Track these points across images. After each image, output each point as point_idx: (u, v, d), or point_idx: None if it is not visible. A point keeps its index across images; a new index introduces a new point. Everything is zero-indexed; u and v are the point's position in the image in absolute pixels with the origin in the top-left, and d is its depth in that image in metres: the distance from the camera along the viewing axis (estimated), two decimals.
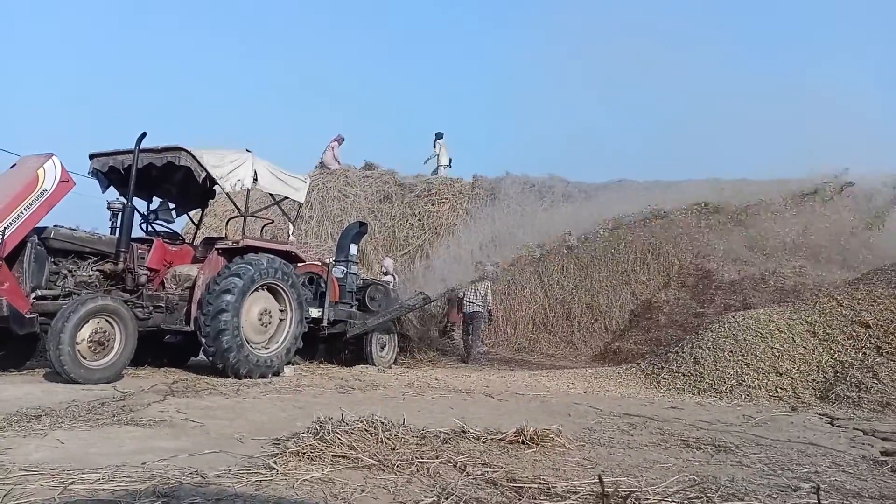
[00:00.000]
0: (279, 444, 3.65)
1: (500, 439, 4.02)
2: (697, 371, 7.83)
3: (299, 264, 8.69)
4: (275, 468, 3.11)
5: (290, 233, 9.30)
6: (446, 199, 16.51)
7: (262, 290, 7.73)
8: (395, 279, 11.92)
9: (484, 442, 3.97)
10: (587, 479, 3.29)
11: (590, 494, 2.91)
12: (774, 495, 3.18)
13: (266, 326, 7.74)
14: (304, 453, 3.36)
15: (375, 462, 3.25)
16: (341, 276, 9.59)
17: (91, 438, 3.79)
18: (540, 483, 3.09)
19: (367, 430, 3.60)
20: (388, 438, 3.58)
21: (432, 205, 16.35)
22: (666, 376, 8.03)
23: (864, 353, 7.39)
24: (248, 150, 8.10)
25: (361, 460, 3.26)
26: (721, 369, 7.68)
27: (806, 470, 3.86)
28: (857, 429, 5.53)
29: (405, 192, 16.78)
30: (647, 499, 2.90)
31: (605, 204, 14.99)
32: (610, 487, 3.07)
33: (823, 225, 15.14)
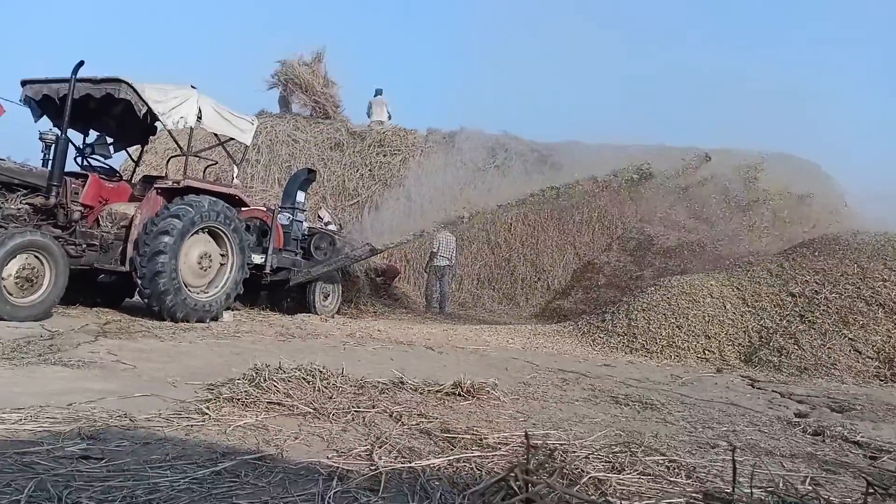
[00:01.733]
0: (213, 389, 3.60)
1: (437, 391, 4.08)
2: (631, 331, 8.11)
3: (243, 209, 8.47)
4: (207, 413, 3.07)
5: (235, 176, 9.01)
6: (399, 150, 16.34)
7: (203, 233, 7.52)
8: (340, 228, 11.83)
9: (421, 393, 4.02)
10: (519, 431, 3.39)
11: (520, 446, 2.99)
12: (693, 452, 3.34)
13: (205, 271, 7.57)
14: (238, 399, 3.33)
15: (311, 410, 3.25)
16: (286, 223, 9.42)
17: (14, 377, 3.66)
18: (473, 434, 3.15)
19: (304, 379, 3.59)
20: (325, 387, 3.59)
21: (384, 156, 16.16)
22: (601, 335, 8.30)
23: (788, 321, 7.79)
24: (193, 87, 7.75)
25: (297, 408, 3.26)
26: (654, 331, 7.98)
27: (725, 429, 4.07)
28: (776, 391, 5.86)
29: (357, 141, 16.50)
30: (575, 452, 3.00)
31: (558, 164, 15.11)
32: (539, 440, 3.17)
33: (761, 198, 15.71)
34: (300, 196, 9.78)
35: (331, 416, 3.20)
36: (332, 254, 9.99)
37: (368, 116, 17.48)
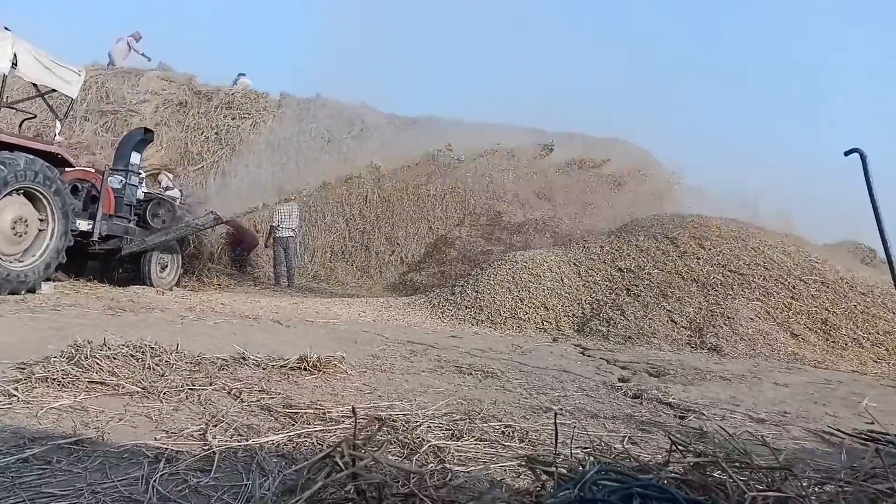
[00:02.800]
0: (25, 368, 3.25)
1: (281, 366, 3.98)
2: (478, 304, 8.44)
3: (67, 169, 7.66)
4: (15, 395, 2.76)
5: (58, 132, 8.07)
6: (249, 114, 15.53)
7: (18, 194, 6.71)
8: (181, 194, 11.07)
9: (264, 368, 3.90)
10: (364, 403, 3.40)
11: (363, 418, 3.01)
12: (528, 417, 3.55)
13: (21, 237, 6.77)
14: (54, 379, 3.03)
15: (139, 389, 3.03)
16: (119, 186, 8.64)
17: None
18: (316, 408, 3.12)
19: (132, 356, 3.34)
20: (156, 364, 3.36)
21: (232, 119, 15.29)
22: (450, 308, 8.54)
23: (617, 294, 8.49)
24: (6, 28, 6.80)
25: (123, 387, 3.02)
26: (498, 303, 8.36)
27: (557, 394, 4.37)
28: (603, 358, 6.38)
29: (202, 101, 15.45)
30: (417, 422, 3.07)
31: (413, 138, 15.21)
32: (383, 412, 3.21)
33: (595, 179, 16.93)
34: (135, 158, 8.99)
35: (162, 395, 3.01)
36: (172, 222, 9.32)
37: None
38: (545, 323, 8.12)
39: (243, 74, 17.03)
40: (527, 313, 8.21)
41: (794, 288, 8.40)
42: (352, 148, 15.69)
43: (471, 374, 4.77)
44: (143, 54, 16.22)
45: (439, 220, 15.68)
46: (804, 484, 1.58)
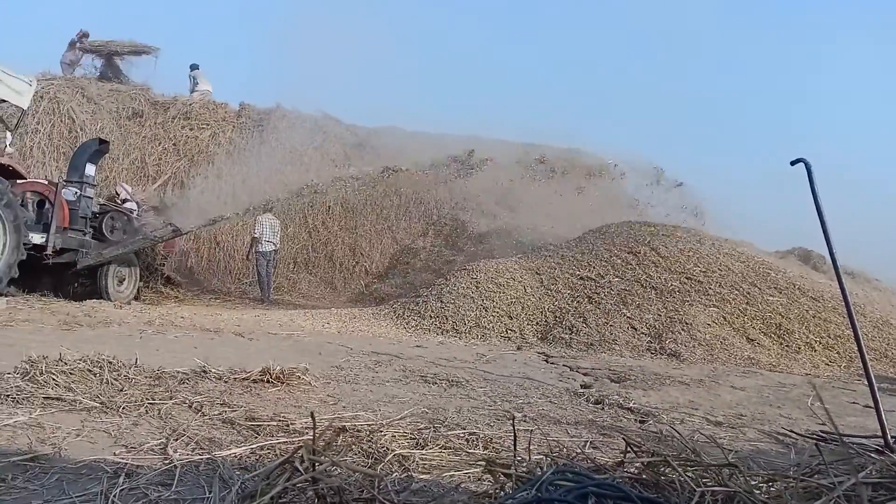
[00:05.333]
0: None
1: (244, 378, 3.94)
2: (443, 313, 8.47)
3: (18, 181, 7.47)
4: None
5: (8, 143, 7.87)
6: (208, 124, 15.32)
7: None
8: (138, 207, 10.84)
9: (226, 382, 3.86)
10: (328, 414, 3.40)
11: (327, 429, 3.00)
12: (492, 424, 3.59)
13: None
14: (8, 395, 2.96)
15: (97, 404, 2.98)
16: (73, 198, 8.44)
17: None
18: (279, 420, 3.10)
19: (89, 371, 3.28)
20: (115, 379, 3.30)
21: (190, 129, 15.06)
22: (415, 318, 8.55)
23: (579, 302, 8.62)
24: None
25: (80, 402, 2.96)
26: (463, 312, 8.41)
27: (521, 401, 4.42)
28: (566, 365, 6.47)
29: (159, 112, 15.18)
30: (381, 432, 3.08)
31: (376, 149, 15.20)
32: (347, 422, 3.21)
33: (557, 190, 17.17)
34: (90, 169, 8.79)
35: (120, 409, 2.96)
36: (129, 235, 9.14)
37: (192, 90, 16.21)
38: (509, 331, 8.19)
39: (196, 66, 16.47)
40: (491, 322, 8.27)
41: (748, 294, 8.65)
42: (314, 159, 15.60)
43: (436, 383, 4.79)
44: (76, 60, 15.63)
45: (403, 231, 15.69)
46: (752, 480, 1.65)
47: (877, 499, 1.63)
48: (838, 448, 2.59)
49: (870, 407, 3.75)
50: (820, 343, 7.94)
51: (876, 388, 2.60)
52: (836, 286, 6.95)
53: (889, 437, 2.42)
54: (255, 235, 11.71)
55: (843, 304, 2.89)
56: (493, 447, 2.98)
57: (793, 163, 3.09)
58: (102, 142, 9.45)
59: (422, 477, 2.34)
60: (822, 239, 2.97)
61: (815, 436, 3.42)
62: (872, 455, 2.10)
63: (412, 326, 8.37)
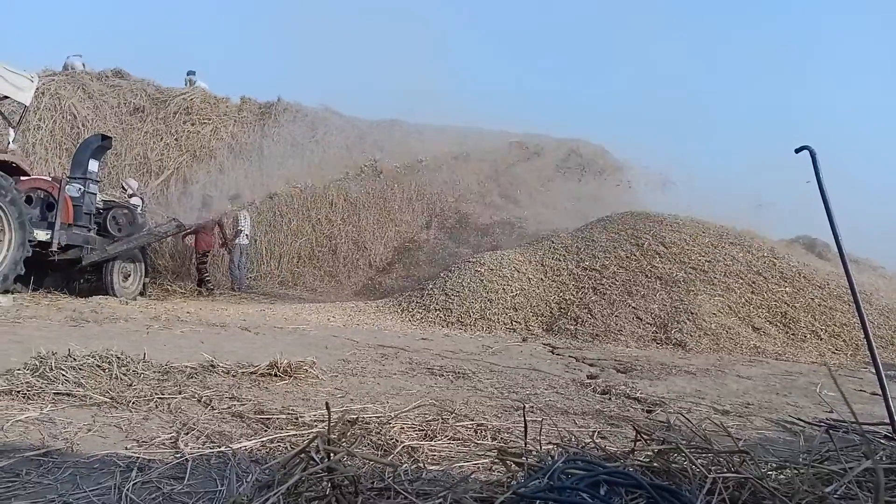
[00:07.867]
0: None
1: (251, 372, 3.96)
2: (447, 306, 8.48)
3: (23, 178, 7.48)
4: None
5: (11, 140, 7.87)
6: (209, 119, 15.32)
7: None
8: (142, 202, 10.87)
9: (234, 376, 3.87)
10: (337, 407, 3.41)
11: (336, 421, 3.02)
12: (499, 415, 3.60)
13: None
14: (19, 392, 2.97)
15: (107, 399, 2.99)
16: (77, 195, 8.45)
17: None
18: (288, 413, 3.11)
19: (98, 366, 3.29)
20: (123, 374, 3.31)
21: (192, 124, 15.05)
22: (420, 310, 8.56)
23: (584, 293, 8.62)
24: None
25: (90, 398, 2.98)
26: (467, 304, 8.41)
27: (527, 392, 4.43)
28: (572, 356, 6.48)
29: (160, 107, 15.18)
30: (391, 424, 3.09)
31: (378, 143, 15.20)
32: (356, 415, 3.21)
33: (559, 178, 17.17)
34: (93, 165, 8.80)
35: (130, 404, 2.97)
36: (134, 230, 9.16)
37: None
38: (514, 323, 8.20)
39: (193, 73, 16.61)
40: (496, 314, 8.28)
41: (753, 283, 8.64)
42: (316, 153, 15.60)
43: (442, 375, 4.80)
44: None
45: (406, 224, 15.68)
46: (763, 467, 1.66)
47: (887, 484, 1.64)
48: (847, 435, 2.60)
49: (877, 394, 3.76)
50: (826, 331, 7.93)
51: (883, 375, 2.60)
52: (841, 274, 6.95)
53: None
54: (241, 228, 11.99)
55: (850, 292, 2.88)
56: (502, 438, 2.99)
57: (797, 150, 3.08)
58: (105, 138, 9.45)
59: (432, 468, 2.35)
60: (827, 227, 2.95)
61: (822, 423, 3.43)
62: (882, 441, 2.10)
63: (417, 319, 8.38)
